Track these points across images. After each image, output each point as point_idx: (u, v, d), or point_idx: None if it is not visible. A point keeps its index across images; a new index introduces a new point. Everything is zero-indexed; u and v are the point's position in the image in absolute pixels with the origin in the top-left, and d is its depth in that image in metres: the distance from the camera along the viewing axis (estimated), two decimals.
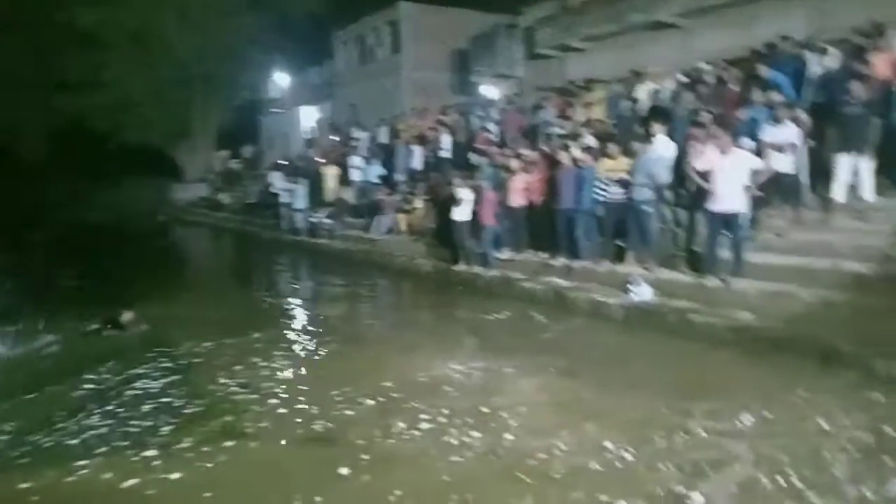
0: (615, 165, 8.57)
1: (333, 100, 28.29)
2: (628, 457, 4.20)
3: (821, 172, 8.06)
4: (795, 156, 7.67)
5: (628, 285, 7.91)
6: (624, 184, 8.38)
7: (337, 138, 19.42)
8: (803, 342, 5.85)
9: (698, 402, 4.98)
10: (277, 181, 17.93)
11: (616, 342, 7.02)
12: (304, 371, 6.64)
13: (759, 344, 6.15)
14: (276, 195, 17.64)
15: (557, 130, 11.07)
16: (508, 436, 4.65)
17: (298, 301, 10.76)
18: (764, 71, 8.93)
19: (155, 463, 4.47)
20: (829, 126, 7.80)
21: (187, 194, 30.22)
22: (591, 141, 9.55)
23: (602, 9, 16.11)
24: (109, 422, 5.24)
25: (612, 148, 8.67)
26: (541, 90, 14.14)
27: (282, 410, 5.42)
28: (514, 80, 19.49)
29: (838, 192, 7.63)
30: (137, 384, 6.10)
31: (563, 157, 9.11)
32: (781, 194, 7.83)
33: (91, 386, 6.08)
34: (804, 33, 10.42)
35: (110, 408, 5.53)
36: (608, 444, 4.35)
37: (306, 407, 5.44)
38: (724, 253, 7.36)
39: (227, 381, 6.11)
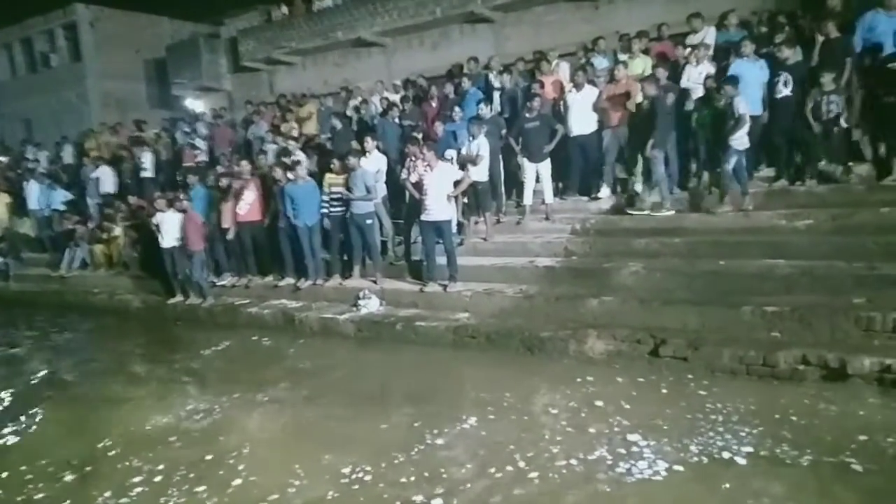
0: (335, 180, 8.55)
1: None
2: (367, 478, 4.14)
3: (514, 180, 9.10)
4: (490, 166, 8.48)
5: (358, 300, 7.96)
6: (344, 198, 8.42)
7: (4, 159, 16.26)
8: (511, 334, 6.47)
9: (431, 409, 5.15)
10: None
11: (349, 359, 6.97)
12: None
13: (477, 340, 6.65)
14: None
15: (271, 146, 10.71)
16: (237, 481, 4.25)
17: None
18: (466, 85, 9.75)
19: None
20: (514, 138, 8.81)
21: None
22: (303, 156, 9.41)
23: (307, 24, 16.14)
24: None
25: (335, 163, 8.62)
26: (250, 104, 13.56)
27: None
28: (222, 94, 18.52)
29: (527, 197, 8.67)
30: None
31: (279, 173, 8.81)
32: (481, 201, 8.60)
33: None
34: (488, 55, 11.69)
35: None
36: (346, 470, 4.22)
37: None
38: (440, 259, 7.82)
39: None
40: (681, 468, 3.95)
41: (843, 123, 7.20)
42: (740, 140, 7.26)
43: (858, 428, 4.20)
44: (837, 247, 6.37)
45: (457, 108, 9.05)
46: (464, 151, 8.37)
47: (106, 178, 12.66)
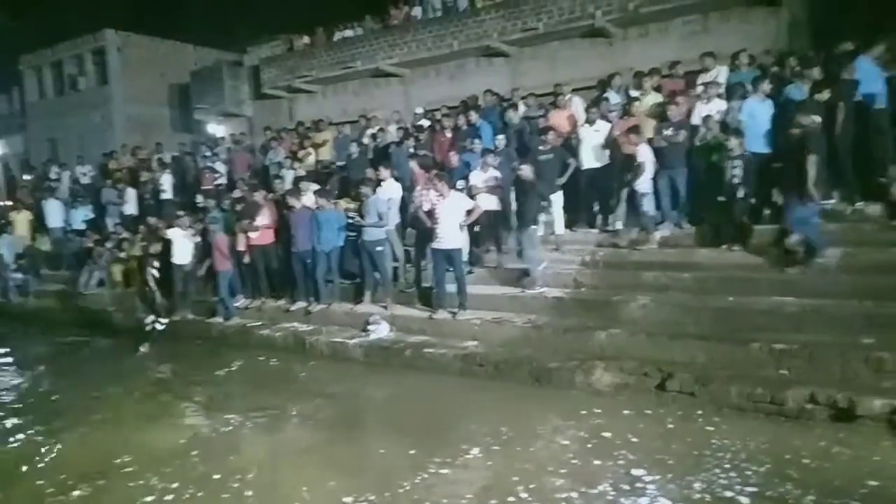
0: (348, 206, 8.71)
1: (26, 133, 24.34)
2: None
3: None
4: (501, 195, 8.59)
5: (368, 325, 8.03)
6: (356, 225, 8.54)
7: (29, 178, 16.66)
8: (519, 364, 6.49)
9: (436, 438, 5.18)
10: None
11: (357, 384, 7.01)
12: None
13: (484, 369, 6.67)
14: None
15: (288, 172, 10.91)
16: None
17: None
18: (474, 118, 9.94)
19: None
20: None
21: None
22: (314, 184, 9.60)
23: (327, 53, 16.51)
24: None
25: (352, 189, 8.81)
26: (270, 130, 13.84)
27: None
28: (243, 119, 18.89)
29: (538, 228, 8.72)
30: None
31: (294, 200, 8.98)
32: (493, 230, 8.69)
33: None
34: (504, 88, 11.89)
35: None
36: (348, 500, 4.23)
37: None
38: (451, 287, 7.89)
39: None
40: None
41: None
42: (644, 185, 8.00)
43: (870, 473, 4.14)
44: (848, 285, 6.36)
45: (476, 141, 9.20)
46: (472, 181, 8.50)
47: (127, 200, 12.93)
